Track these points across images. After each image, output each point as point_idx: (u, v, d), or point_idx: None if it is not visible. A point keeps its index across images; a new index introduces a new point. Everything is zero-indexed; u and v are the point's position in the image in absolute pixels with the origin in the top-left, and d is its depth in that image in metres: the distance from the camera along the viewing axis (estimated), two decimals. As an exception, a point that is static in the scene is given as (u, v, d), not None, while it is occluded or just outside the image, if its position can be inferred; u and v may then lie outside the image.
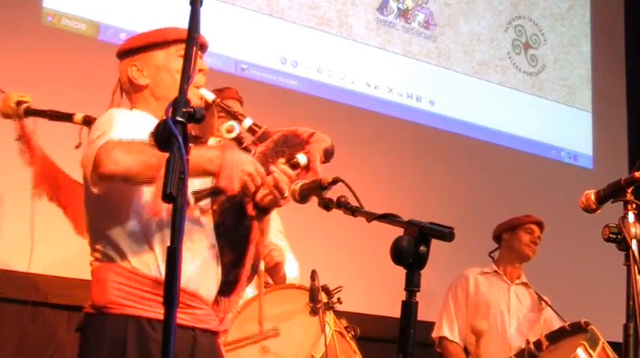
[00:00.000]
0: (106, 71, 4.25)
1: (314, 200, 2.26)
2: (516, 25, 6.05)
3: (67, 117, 2.69)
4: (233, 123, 2.28)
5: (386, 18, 5.42)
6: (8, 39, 4.13)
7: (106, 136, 2.21)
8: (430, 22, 5.62)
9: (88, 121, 2.60)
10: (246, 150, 2.30)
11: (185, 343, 2.26)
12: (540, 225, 4.57)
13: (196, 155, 2.08)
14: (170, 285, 1.68)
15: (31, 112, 2.78)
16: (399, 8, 5.50)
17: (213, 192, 2.24)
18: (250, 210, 2.32)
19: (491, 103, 5.81)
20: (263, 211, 2.34)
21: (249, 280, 2.43)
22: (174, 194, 1.69)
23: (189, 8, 1.86)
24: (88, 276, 3.89)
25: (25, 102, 2.79)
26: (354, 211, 2.12)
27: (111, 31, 4.42)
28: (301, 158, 2.28)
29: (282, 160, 2.29)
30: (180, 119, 1.73)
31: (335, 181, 2.19)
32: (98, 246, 2.31)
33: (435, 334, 4.47)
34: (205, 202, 2.34)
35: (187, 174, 1.69)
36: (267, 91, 4.78)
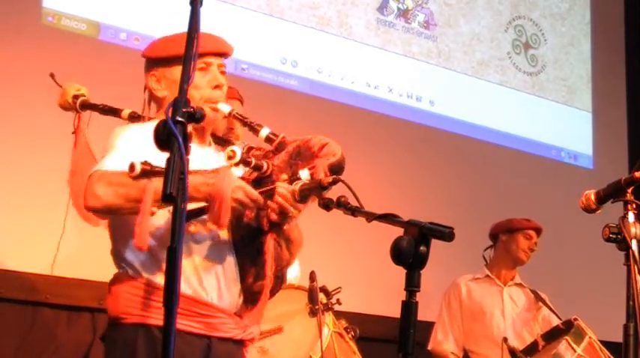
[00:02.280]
0: (106, 71, 4.27)
1: (314, 200, 2.26)
2: (516, 25, 6.05)
3: (116, 112, 2.72)
4: (234, 147, 2.24)
5: (386, 18, 5.42)
6: (8, 39, 4.12)
7: (100, 164, 2.26)
8: (430, 22, 5.62)
9: (134, 117, 2.62)
10: (258, 168, 2.27)
11: (198, 350, 2.28)
12: (539, 231, 4.54)
13: None
14: (170, 285, 1.68)
15: (86, 106, 2.80)
16: (399, 8, 5.50)
17: (197, 214, 2.24)
18: (265, 224, 2.32)
19: (491, 103, 5.81)
20: (276, 225, 2.33)
21: (274, 291, 2.41)
22: (174, 194, 1.69)
23: (189, 8, 1.86)
24: (87, 276, 3.92)
25: (82, 95, 2.80)
26: (354, 211, 2.12)
27: (111, 31, 4.42)
28: (303, 174, 2.25)
29: (284, 176, 2.28)
30: (180, 119, 1.73)
31: (335, 181, 2.19)
32: (116, 260, 2.36)
33: (430, 346, 4.45)
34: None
35: (187, 175, 1.70)
36: (267, 91, 4.78)
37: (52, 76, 3.01)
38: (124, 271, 2.31)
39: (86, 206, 2.21)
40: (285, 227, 2.35)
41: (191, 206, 2.21)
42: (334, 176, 2.21)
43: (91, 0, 4.40)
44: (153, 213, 2.09)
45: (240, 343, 2.40)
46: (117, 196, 2.15)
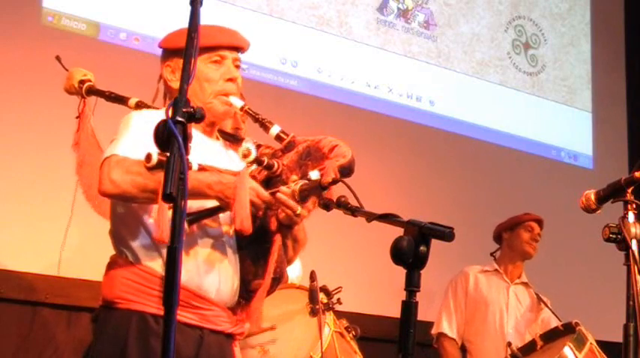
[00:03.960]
0: (106, 71, 4.26)
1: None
2: (516, 25, 6.05)
3: (123, 100, 2.71)
4: (249, 145, 2.24)
5: (386, 18, 5.42)
6: (8, 39, 4.12)
7: (114, 147, 2.24)
8: (430, 22, 5.62)
9: (140, 106, 2.61)
10: (269, 167, 2.27)
11: (190, 341, 2.28)
12: (540, 222, 4.57)
13: (197, 179, 2.10)
14: (170, 285, 1.68)
15: (92, 92, 2.78)
16: (399, 8, 5.50)
17: (209, 214, 2.24)
18: (273, 224, 2.32)
19: (491, 103, 5.81)
20: (285, 226, 2.33)
21: (270, 292, 2.42)
22: (174, 194, 1.69)
23: (189, 8, 1.86)
24: (87, 276, 3.92)
25: (88, 80, 2.79)
26: (354, 211, 2.12)
27: (111, 31, 4.42)
28: (314, 175, 2.25)
29: (294, 177, 2.28)
30: (180, 119, 1.73)
31: (335, 181, 2.19)
32: (116, 243, 2.35)
33: (434, 330, 4.48)
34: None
35: (187, 176, 1.70)
36: (267, 91, 4.78)
37: (58, 58, 3.00)
38: (123, 255, 2.30)
39: (101, 190, 2.19)
40: (294, 227, 2.34)
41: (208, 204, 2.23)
42: (334, 176, 2.21)
43: (91, 0, 4.40)
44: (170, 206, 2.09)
45: (231, 336, 2.41)
46: (134, 185, 2.14)
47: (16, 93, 4.10)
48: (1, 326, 3.95)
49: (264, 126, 2.38)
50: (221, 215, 2.31)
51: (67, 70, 2.88)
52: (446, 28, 5.68)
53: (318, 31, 5.12)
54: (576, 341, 3.84)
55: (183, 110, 1.75)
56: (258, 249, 2.35)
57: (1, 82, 4.09)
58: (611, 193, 2.42)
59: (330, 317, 3.41)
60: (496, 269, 4.56)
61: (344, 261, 4.77)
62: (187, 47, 1.82)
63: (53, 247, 4.01)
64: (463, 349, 4.49)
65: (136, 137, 2.23)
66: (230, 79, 2.40)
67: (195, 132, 1.88)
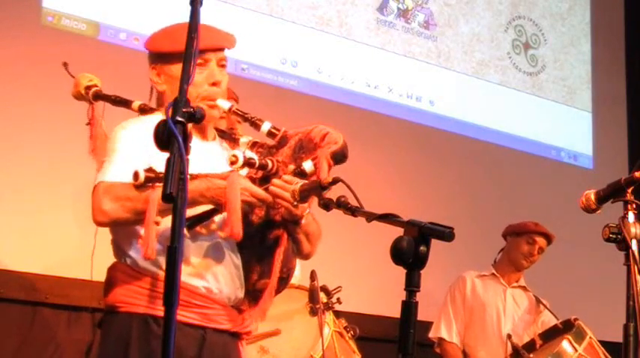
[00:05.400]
0: (106, 71, 4.26)
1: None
2: (516, 25, 6.05)
3: (126, 103, 2.72)
4: (236, 152, 2.22)
5: (386, 18, 5.42)
6: (8, 39, 4.13)
7: (102, 172, 2.26)
8: (430, 22, 5.62)
9: (143, 109, 2.62)
10: (263, 167, 2.26)
11: (193, 341, 2.28)
12: (547, 237, 4.50)
13: (189, 189, 2.09)
14: (170, 285, 1.68)
15: (99, 97, 2.80)
16: (399, 8, 5.50)
17: (207, 217, 2.25)
18: (279, 220, 2.31)
19: (491, 103, 5.81)
20: (291, 222, 2.32)
21: (278, 291, 2.42)
22: (173, 194, 1.69)
23: (189, 8, 1.86)
24: (87, 276, 3.92)
25: (94, 86, 2.80)
26: (354, 211, 2.11)
27: (111, 31, 4.42)
28: (307, 165, 2.24)
29: (290, 167, 2.27)
30: (180, 119, 1.73)
31: (335, 181, 2.18)
32: (116, 251, 2.37)
33: (432, 334, 4.48)
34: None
35: (187, 176, 1.70)
36: (267, 91, 4.78)
37: (65, 65, 3.00)
38: (123, 261, 2.32)
39: (95, 221, 2.23)
40: (303, 221, 2.33)
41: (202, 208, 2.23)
42: (334, 176, 2.21)
43: (91, 0, 4.40)
44: (158, 223, 2.10)
45: (236, 335, 2.40)
46: (124, 210, 2.17)
47: (17, 93, 4.10)
48: (1, 326, 3.95)
49: (255, 124, 2.37)
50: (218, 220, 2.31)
51: (73, 76, 2.89)
52: (446, 28, 5.68)
53: (318, 31, 5.12)
54: (575, 335, 3.86)
55: (183, 110, 1.75)
56: (262, 248, 2.35)
57: (1, 81, 4.09)
58: (611, 193, 2.42)
59: (329, 316, 3.42)
60: (493, 273, 4.55)
61: (344, 260, 4.77)
62: (187, 47, 1.82)
63: (54, 247, 4.02)
64: (464, 353, 4.48)
65: (123, 156, 2.25)
66: (214, 83, 2.39)
67: None
